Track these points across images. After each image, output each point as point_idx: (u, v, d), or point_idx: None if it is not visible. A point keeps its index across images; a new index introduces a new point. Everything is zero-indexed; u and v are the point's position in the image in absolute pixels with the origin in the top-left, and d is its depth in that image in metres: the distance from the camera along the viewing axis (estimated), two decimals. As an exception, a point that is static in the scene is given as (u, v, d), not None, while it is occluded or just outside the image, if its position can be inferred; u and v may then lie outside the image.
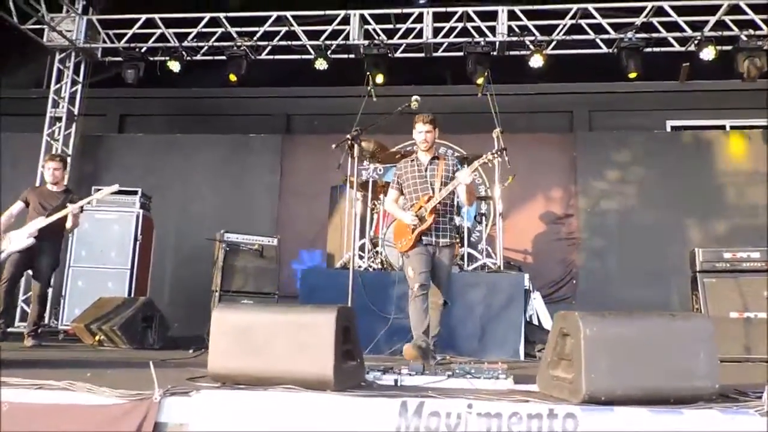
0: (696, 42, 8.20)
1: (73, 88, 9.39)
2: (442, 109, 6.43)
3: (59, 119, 9.28)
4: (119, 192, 7.11)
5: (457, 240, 4.78)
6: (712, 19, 8.19)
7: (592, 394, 2.64)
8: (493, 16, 8.61)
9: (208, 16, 8.97)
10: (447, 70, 9.51)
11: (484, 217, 7.14)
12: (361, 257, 6.72)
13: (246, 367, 3.01)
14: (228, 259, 6.70)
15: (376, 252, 6.72)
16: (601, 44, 8.50)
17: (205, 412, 2.73)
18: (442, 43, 8.68)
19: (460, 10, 8.54)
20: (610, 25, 8.35)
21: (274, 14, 8.86)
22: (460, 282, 5.80)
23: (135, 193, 7.78)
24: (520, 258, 8.39)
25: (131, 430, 2.59)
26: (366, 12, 8.76)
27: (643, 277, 8.27)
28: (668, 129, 9.81)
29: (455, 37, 8.66)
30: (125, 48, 9.07)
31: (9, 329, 5.95)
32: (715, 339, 2.83)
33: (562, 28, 8.49)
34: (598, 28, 8.44)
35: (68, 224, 5.78)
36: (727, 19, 8.23)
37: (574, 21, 8.46)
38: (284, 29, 8.97)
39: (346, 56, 8.98)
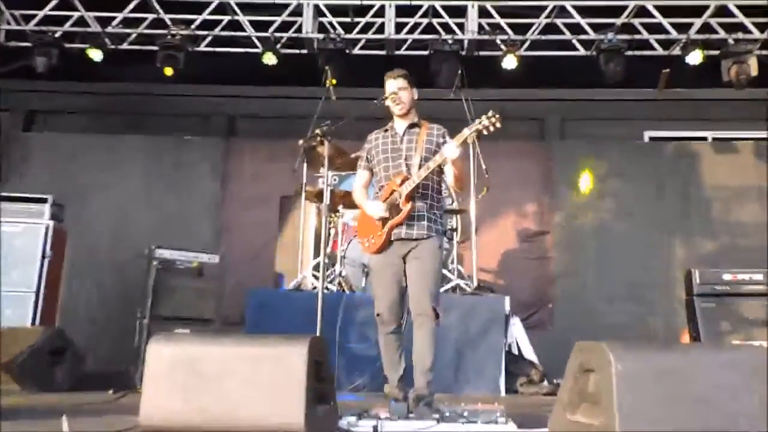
0: (681, 45, 8.15)
1: (-30, 78, 8.65)
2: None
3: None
4: (25, 200, 6.45)
5: (444, 231, 4.22)
6: (698, 21, 8.17)
7: (628, 444, 2.31)
8: (461, 12, 8.38)
9: (138, -3, 8.40)
10: (412, 70, 9.21)
11: (454, 233, 6.83)
12: (315, 277, 6.37)
13: (190, 415, 2.55)
14: (159, 278, 6.15)
15: (334, 272, 6.39)
16: (578, 46, 8.38)
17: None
18: (406, 40, 8.41)
19: (425, 4, 8.29)
20: (589, 25, 8.24)
21: (216, 0, 8.38)
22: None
23: (44, 201, 6.94)
24: (490, 279, 8.13)
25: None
26: (321, 2, 8.39)
27: (624, 299, 8.20)
28: (646, 140, 9.79)
29: (420, 33, 8.41)
30: (34, 32, 8.34)
31: None
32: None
33: (536, 27, 8.33)
34: (575, 29, 8.32)
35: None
36: (713, 21, 8.23)
37: (549, 20, 8.31)
38: (227, 18, 8.51)
39: (298, 51, 8.56)
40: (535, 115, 9.85)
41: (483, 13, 8.32)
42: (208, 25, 8.49)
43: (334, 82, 7.69)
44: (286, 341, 2.62)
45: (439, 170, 4.11)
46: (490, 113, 3.79)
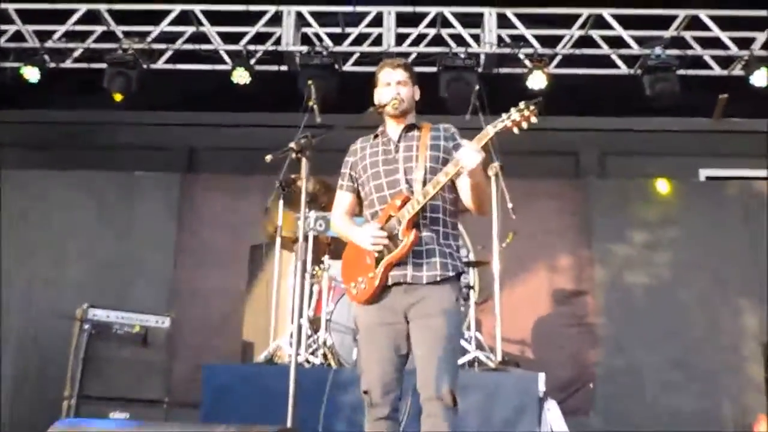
0: (743, 62, 7.84)
1: None
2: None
3: None
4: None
5: (461, 271, 3.63)
6: (762, 36, 7.89)
7: None
8: (477, 20, 8.12)
9: (84, 7, 8.14)
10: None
11: (471, 292, 6.35)
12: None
13: None
14: (93, 347, 5.82)
15: (317, 339, 5.90)
16: (619, 62, 8.09)
17: None
18: (409, 54, 8.08)
19: (432, 10, 8.03)
20: (632, 38, 7.97)
21: (177, 8, 8.11)
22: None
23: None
24: (515, 351, 7.62)
25: None
26: (305, 9, 8.12)
27: (683, 378, 7.69)
28: (702, 179, 9.52)
29: (426, 46, 8.16)
30: (-47, 48, 8.10)
31: None
32: None
33: (568, 40, 8.04)
34: (615, 43, 8.07)
35: None
36: (780, 36, 7.99)
37: (583, 32, 8.04)
38: (190, 29, 8.22)
39: (275, 68, 8.29)
40: (567, 149, 9.57)
41: (503, 22, 8.07)
42: (167, 38, 8.25)
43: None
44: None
45: (452, 185, 3.62)
46: (522, 104, 3.27)
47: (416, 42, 8.16)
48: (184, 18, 8.15)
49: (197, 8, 8.09)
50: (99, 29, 8.22)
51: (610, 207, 8.48)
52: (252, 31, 8.13)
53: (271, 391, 5.07)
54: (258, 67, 8.11)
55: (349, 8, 8.06)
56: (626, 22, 7.98)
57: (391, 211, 3.54)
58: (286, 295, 6.45)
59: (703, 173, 9.52)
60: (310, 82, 6.58)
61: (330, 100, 7.62)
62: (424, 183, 3.51)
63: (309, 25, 8.19)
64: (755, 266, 7.99)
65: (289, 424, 3.06)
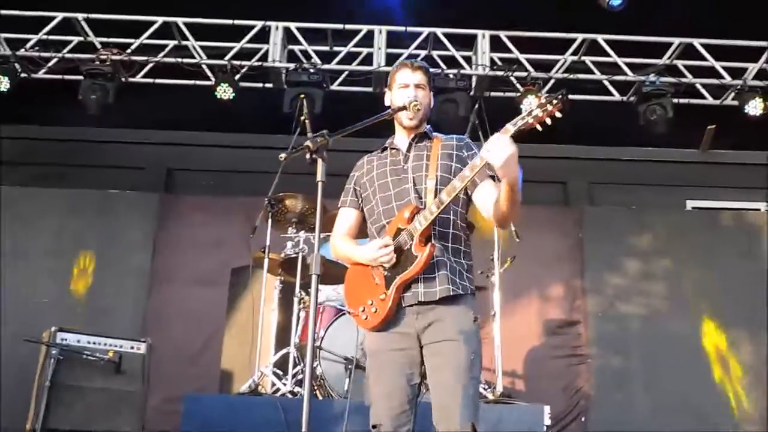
0: (736, 90, 7.68)
1: None
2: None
3: None
4: None
5: (473, 291, 3.24)
6: (754, 67, 7.71)
7: None
8: (469, 42, 7.87)
9: (60, 15, 7.69)
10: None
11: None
12: (279, 377, 5.57)
13: None
14: (60, 375, 5.22)
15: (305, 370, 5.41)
16: (612, 89, 7.87)
17: None
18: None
19: (425, 30, 7.70)
20: (626, 65, 7.76)
21: (159, 19, 7.69)
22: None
23: None
24: (506, 382, 7.22)
25: None
26: (293, 25, 7.75)
27: (678, 411, 7.38)
28: (688, 209, 9.31)
29: (417, 67, 7.78)
30: None
31: None
32: None
33: (561, 65, 7.78)
34: (609, 70, 7.84)
35: None
36: (770, 67, 7.83)
37: (576, 57, 7.79)
38: (172, 43, 7.82)
39: (260, 85, 7.91)
40: (556, 178, 9.33)
41: (496, 45, 7.79)
42: (148, 49, 7.84)
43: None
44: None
45: (466, 197, 3.28)
46: (543, 98, 2.88)
47: (407, 62, 7.80)
48: (167, 31, 7.76)
49: (180, 21, 7.70)
50: (76, 39, 7.83)
51: (605, 234, 8.22)
52: (237, 46, 7.74)
53: (254, 423, 4.80)
54: (242, 84, 7.75)
55: (339, 25, 7.71)
56: (620, 48, 7.76)
57: (400, 223, 3.16)
58: (269, 321, 5.99)
59: (690, 204, 9.32)
60: (302, 96, 6.20)
61: (316, 120, 7.25)
62: (436, 194, 3.14)
63: (297, 41, 7.82)
64: (753, 297, 7.77)
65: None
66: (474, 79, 7.73)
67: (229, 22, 7.69)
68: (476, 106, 6.51)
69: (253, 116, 8.31)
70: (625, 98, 7.87)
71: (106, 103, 7.62)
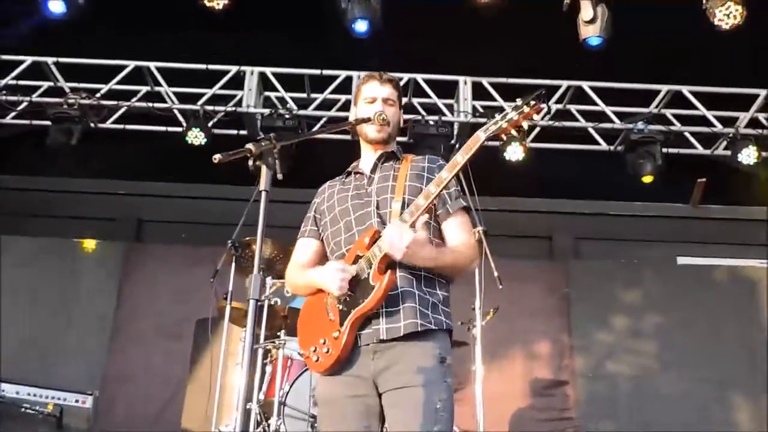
0: (728, 138, 7.38)
1: None
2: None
3: None
4: None
5: (449, 328, 2.78)
6: (745, 116, 7.45)
7: None
8: (451, 89, 7.57)
9: (29, 59, 7.42)
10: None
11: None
12: None
13: None
14: None
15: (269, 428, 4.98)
16: (598, 138, 7.57)
17: None
18: (381, 123, 7.42)
19: (405, 77, 7.40)
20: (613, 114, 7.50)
21: (131, 64, 7.39)
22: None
23: None
24: (489, 448, 6.70)
25: None
26: (269, 70, 7.45)
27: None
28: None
29: (397, 113, 7.48)
30: None
31: None
32: None
33: (546, 113, 7.48)
34: (593, 118, 7.56)
35: None
36: (761, 116, 7.56)
37: (561, 105, 7.51)
38: (144, 89, 7.50)
39: (234, 132, 7.59)
40: (542, 233, 9.05)
41: (478, 92, 7.50)
42: (119, 94, 7.54)
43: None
44: None
45: (437, 225, 2.88)
46: (519, 100, 2.55)
47: (386, 109, 7.49)
48: (138, 76, 7.47)
49: (153, 65, 7.41)
50: (45, 84, 7.54)
51: (592, 289, 7.91)
52: (208, 93, 7.45)
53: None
54: (216, 131, 7.42)
55: (316, 71, 7.42)
56: (607, 96, 7.52)
57: (359, 250, 2.73)
58: (231, 375, 5.47)
59: (681, 261, 8.97)
60: (272, 134, 5.78)
61: (291, 170, 6.89)
62: (401, 215, 2.71)
63: (273, 88, 7.51)
64: (749, 356, 7.39)
65: None
66: (456, 126, 7.41)
67: (203, 67, 7.44)
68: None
69: (225, 167, 7.93)
70: (612, 147, 7.57)
71: (73, 149, 7.29)
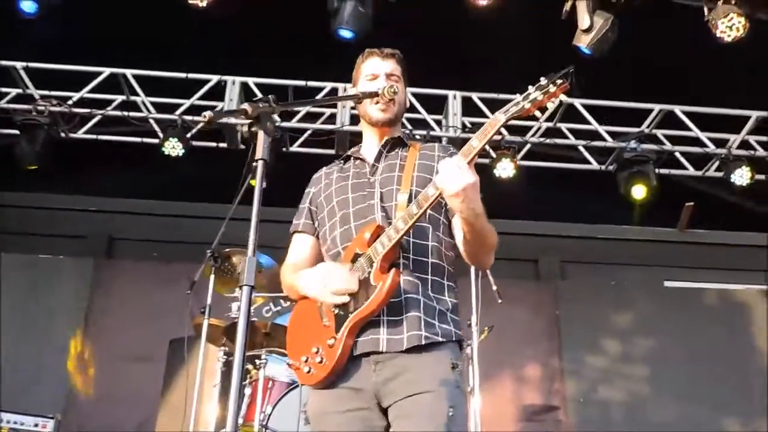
0: (721, 158, 7.19)
1: None
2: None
3: None
4: None
5: (459, 338, 2.47)
6: (736, 138, 7.26)
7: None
8: (440, 104, 7.29)
9: (-2, 63, 7.02)
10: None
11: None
12: None
13: None
14: None
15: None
16: (589, 157, 7.33)
17: None
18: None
19: (393, 88, 7.08)
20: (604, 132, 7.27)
21: (107, 71, 7.00)
22: None
23: None
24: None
25: None
26: (251, 80, 7.11)
27: None
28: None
29: (384, 127, 7.19)
30: None
31: None
32: None
33: (536, 131, 7.25)
34: (585, 137, 7.34)
35: None
36: (752, 139, 7.37)
37: (551, 124, 7.26)
38: (120, 98, 7.12)
39: (214, 144, 7.22)
40: (528, 256, 8.80)
41: (468, 108, 7.23)
42: (93, 102, 7.16)
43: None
44: None
45: (447, 222, 2.57)
46: (543, 80, 2.23)
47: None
48: (114, 84, 7.07)
49: (129, 72, 7.02)
50: (13, 92, 7.10)
51: (583, 312, 7.69)
52: (186, 104, 7.07)
53: None
54: (194, 143, 7.06)
55: (300, 82, 7.11)
56: (598, 114, 7.29)
57: (358, 248, 2.41)
58: (209, 397, 5.06)
59: (669, 285, 8.81)
60: (271, 96, 5.43)
61: (274, 184, 6.53)
62: (408, 209, 2.39)
63: (255, 97, 7.16)
64: (743, 380, 7.26)
65: None
66: (444, 141, 7.12)
67: (182, 75, 7.08)
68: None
69: (203, 184, 7.62)
70: (603, 167, 7.32)
71: (43, 163, 6.91)
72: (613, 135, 7.27)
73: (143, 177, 7.85)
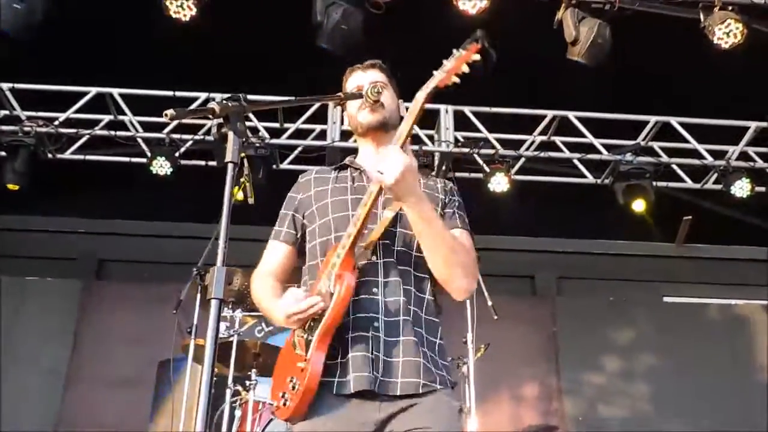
0: (719, 170, 7.04)
1: None
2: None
3: None
4: None
5: (450, 384, 2.28)
6: (735, 149, 7.13)
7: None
8: (432, 119, 7.11)
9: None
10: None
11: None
12: None
13: None
14: None
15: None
16: (584, 171, 7.18)
17: None
18: (356, 150, 6.96)
19: (384, 105, 6.96)
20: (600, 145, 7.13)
21: (93, 90, 6.89)
22: None
23: None
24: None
25: None
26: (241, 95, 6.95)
27: None
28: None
29: (376, 143, 7.05)
30: None
31: None
32: None
33: (530, 144, 7.12)
34: (580, 150, 7.19)
35: None
36: (750, 150, 7.24)
37: (545, 137, 7.14)
38: (107, 118, 6.99)
39: (203, 163, 7.05)
40: (524, 272, 8.72)
41: (461, 122, 7.09)
42: (80, 123, 6.99)
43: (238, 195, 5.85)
44: None
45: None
46: (455, 51, 2.27)
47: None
48: (100, 104, 6.95)
49: (116, 92, 6.91)
50: (0, 113, 6.95)
51: (581, 329, 7.48)
52: (175, 121, 6.90)
53: None
54: (183, 162, 6.91)
55: (290, 97, 6.96)
56: (593, 127, 7.13)
57: (337, 254, 2.24)
58: (195, 420, 4.87)
59: (667, 300, 8.73)
60: (243, 155, 5.32)
61: (263, 200, 6.40)
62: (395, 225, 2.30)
63: (246, 118, 7.02)
64: (745, 396, 7.00)
65: None
66: (437, 156, 7.01)
67: (170, 93, 6.96)
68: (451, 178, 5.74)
69: (191, 204, 7.49)
70: (599, 180, 7.18)
71: (27, 180, 6.73)
72: (609, 148, 7.13)
73: (131, 197, 7.71)
